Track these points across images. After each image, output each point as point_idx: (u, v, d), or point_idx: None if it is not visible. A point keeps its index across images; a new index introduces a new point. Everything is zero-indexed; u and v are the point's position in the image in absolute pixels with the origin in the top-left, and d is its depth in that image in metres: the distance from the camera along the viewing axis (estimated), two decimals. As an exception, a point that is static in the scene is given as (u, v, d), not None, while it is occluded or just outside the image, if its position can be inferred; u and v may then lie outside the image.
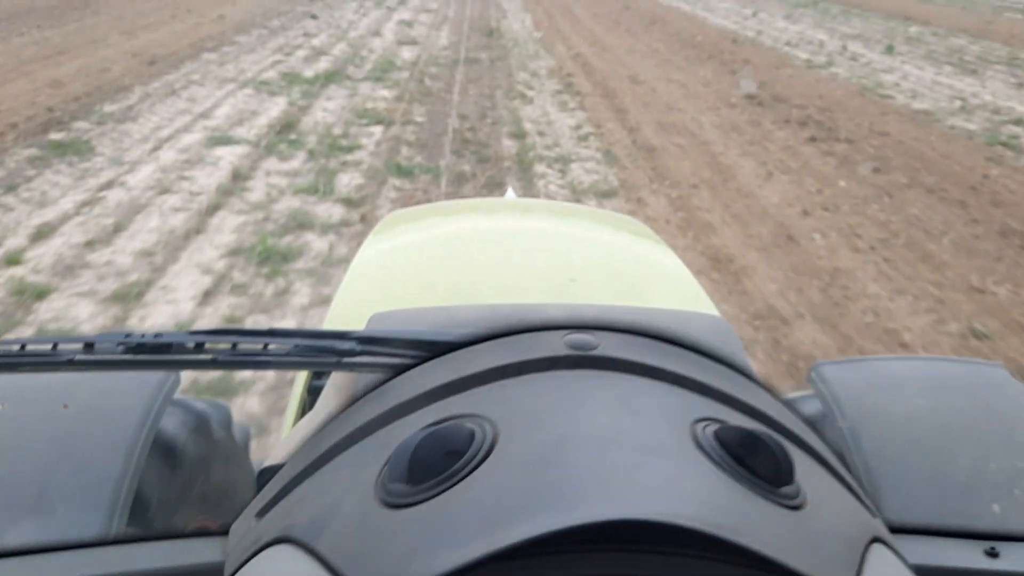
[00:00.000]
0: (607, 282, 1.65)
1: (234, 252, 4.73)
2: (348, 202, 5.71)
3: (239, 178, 6.13)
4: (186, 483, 1.22)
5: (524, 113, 8.73)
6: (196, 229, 5.08)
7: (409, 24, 15.42)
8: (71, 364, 0.84)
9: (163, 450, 1.18)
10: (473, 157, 7.00)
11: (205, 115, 8.07)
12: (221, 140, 7.16)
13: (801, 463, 0.63)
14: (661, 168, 6.83)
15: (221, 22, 14.35)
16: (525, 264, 1.71)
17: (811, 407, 1.17)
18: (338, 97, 9.13)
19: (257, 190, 5.88)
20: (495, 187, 6.18)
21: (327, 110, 8.54)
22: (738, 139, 7.85)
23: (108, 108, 8.04)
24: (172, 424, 1.22)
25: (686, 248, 5.03)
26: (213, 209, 5.45)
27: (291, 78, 9.93)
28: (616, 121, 8.45)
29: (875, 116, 8.87)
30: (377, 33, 14.05)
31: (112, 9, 15.14)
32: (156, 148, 6.87)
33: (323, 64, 11.02)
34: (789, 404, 0.83)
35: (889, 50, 13.66)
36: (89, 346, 0.85)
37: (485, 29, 15.03)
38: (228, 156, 6.69)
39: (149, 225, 5.12)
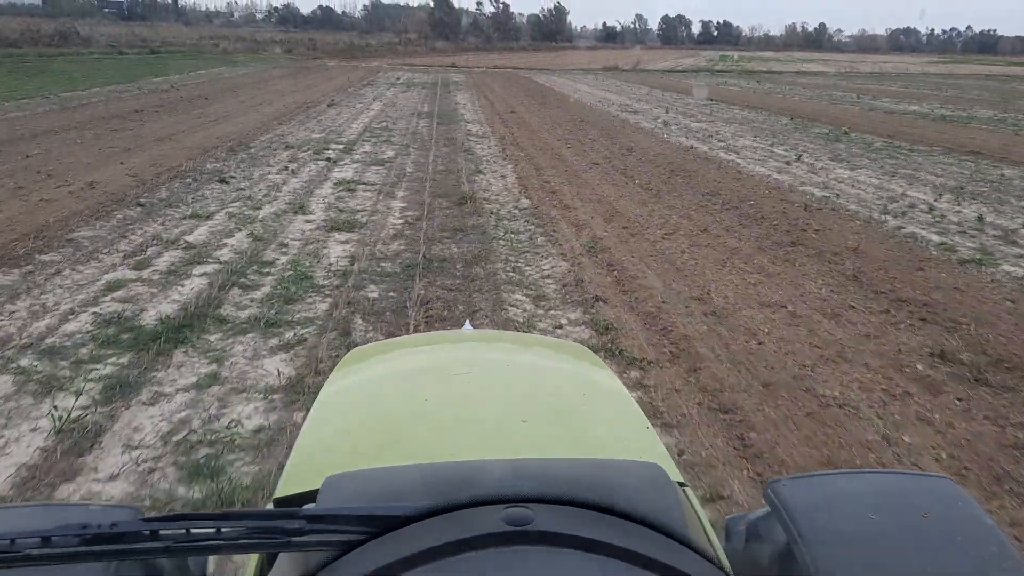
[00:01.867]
0: (556, 422, 1.69)
1: None
2: None
3: None
4: None
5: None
6: None
7: (351, 187, 11.19)
8: (28, 559, 0.86)
9: None
10: None
11: None
12: None
13: None
14: None
15: (83, 195, 10.03)
16: (480, 406, 1.77)
17: (767, 525, 1.21)
18: (171, 399, 4.69)
19: None
20: None
21: (131, 446, 4.09)
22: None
23: None
24: None
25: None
26: None
27: (110, 338, 5.52)
28: (739, 458, 4.06)
29: None
30: (302, 208, 9.76)
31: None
32: None
33: (189, 287, 6.66)
34: (715, 562, 1.00)
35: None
36: (46, 540, 0.88)
37: (455, 194, 10.84)
38: None
39: None
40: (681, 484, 1.36)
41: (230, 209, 9.60)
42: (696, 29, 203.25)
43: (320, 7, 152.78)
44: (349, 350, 2.73)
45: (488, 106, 25.51)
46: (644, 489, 1.09)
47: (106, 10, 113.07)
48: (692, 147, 16.22)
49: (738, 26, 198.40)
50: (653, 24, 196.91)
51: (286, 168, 12.69)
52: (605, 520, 0.96)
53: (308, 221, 9.17)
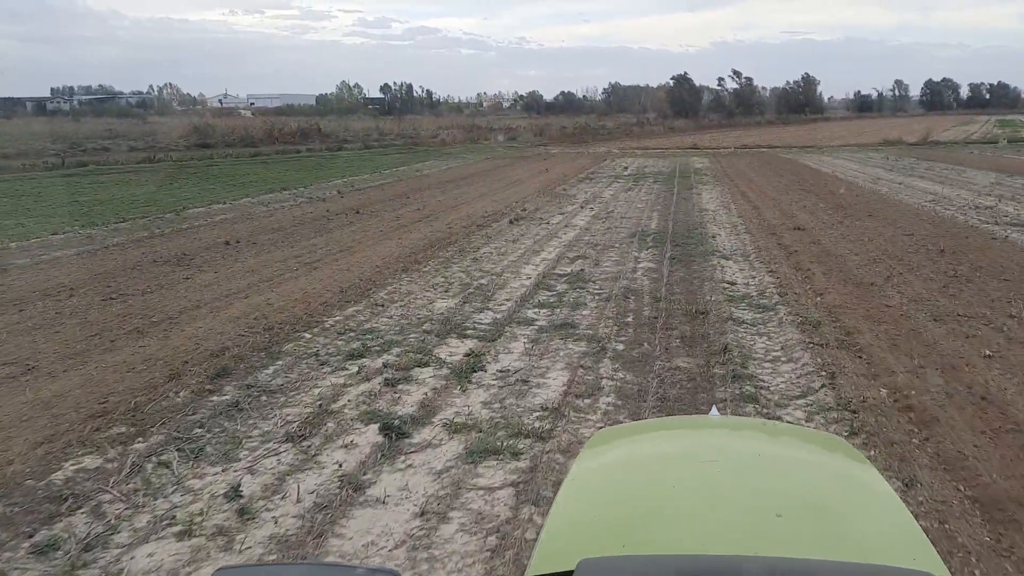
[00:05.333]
0: (813, 519, 1.61)
1: None
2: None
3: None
4: None
5: None
6: None
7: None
8: None
9: None
10: None
11: None
12: None
13: None
14: None
15: None
16: (730, 497, 1.69)
17: None
18: None
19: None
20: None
21: None
22: None
23: None
24: None
25: None
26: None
27: None
28: None
29: None
30: None
31: None
32: None
33: None
34: None
35: None
36: None
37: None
38: None
39: None
40: None
41: None
42: (964, 93, 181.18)
43: (562, 92, 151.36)
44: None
45: (751, 212, 16.88)
46: None
47: (370, 106, 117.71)
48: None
49: (1015, 87, 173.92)
50: (914, 90, 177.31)
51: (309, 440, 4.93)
52: None
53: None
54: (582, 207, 18.81)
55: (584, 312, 8.83)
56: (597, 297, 9.53)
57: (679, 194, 21.19)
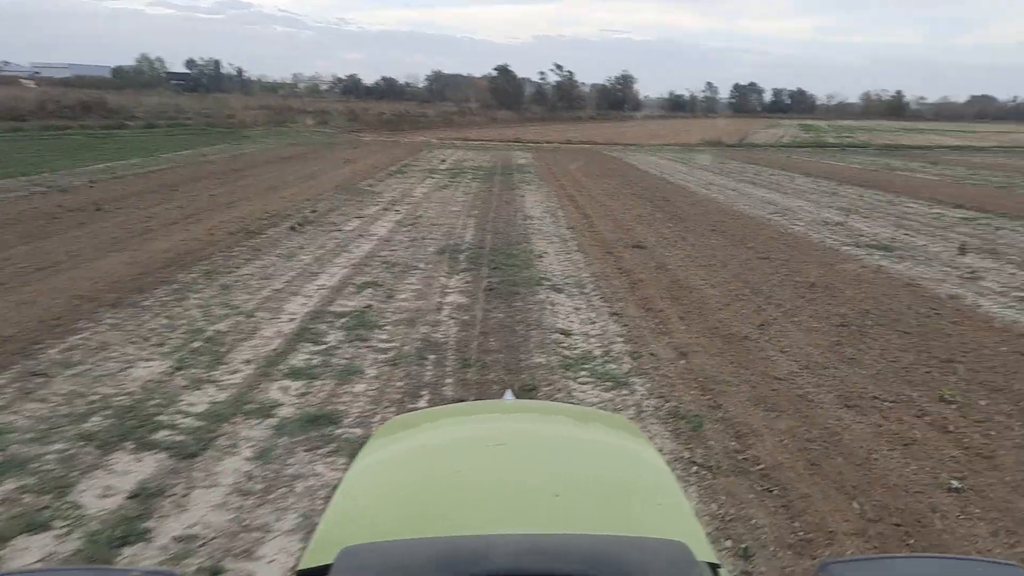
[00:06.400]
0: (589, 497, 1.66)
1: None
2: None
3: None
4: None
5: None
6: None
7: None
8: None
9: None
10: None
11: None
12: None
13: None
14: None
15: None
16: (513, 479, 1.74)
17: None
18: None
19: None
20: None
21: None
22: None
23: None
24: None
25: None
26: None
27: None
28: None
29: None
30: None
31: None
32: None
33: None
34: None
35: None
36: None
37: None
38: None
39: None
40: (713, 565, 1.35)
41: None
42: (768, 97, 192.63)
43: (383, 78, 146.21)
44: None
45: (582, 222, 14.51)
46: (664, 569, 1.08)
47: (173, 82, 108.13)
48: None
49: (812, 94, 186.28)
50: (723, 92, 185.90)
51: None
52: None
53: None
54: (387, 209, 15.79)
55: (357, 389, 5.91)
56: (381, 359, 6.63)
57: (500, 196, 18.61)
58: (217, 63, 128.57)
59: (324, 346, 6.92)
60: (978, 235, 13.32)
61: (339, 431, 5.15)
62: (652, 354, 6.78)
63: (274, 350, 6.76)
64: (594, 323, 7.81)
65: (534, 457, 1.91)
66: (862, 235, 13.20)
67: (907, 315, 8.06)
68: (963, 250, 11.35)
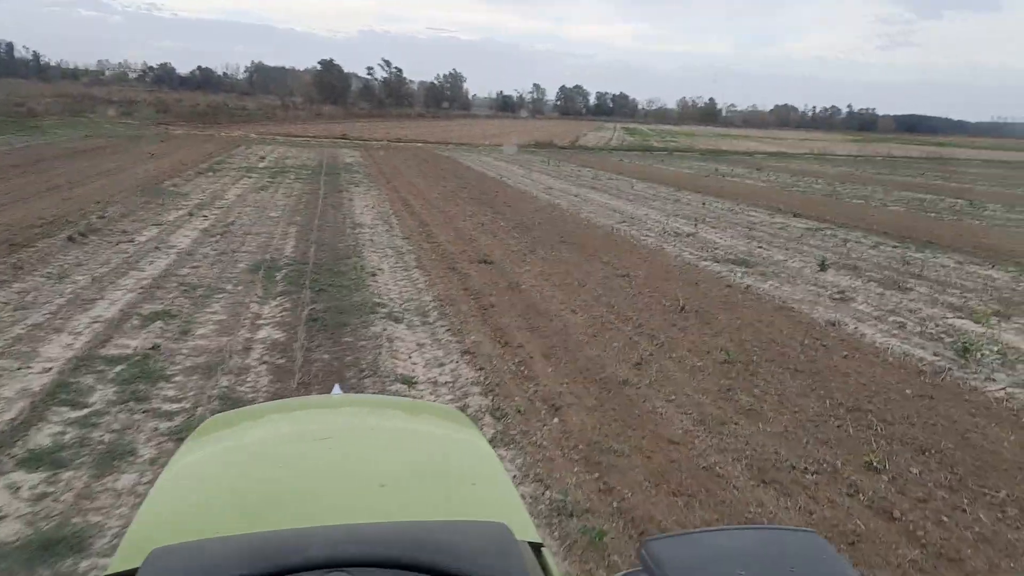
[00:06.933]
0: (415, 486, 1.65)
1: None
2: None
3: None
4: None
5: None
6: None
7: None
8: None
9: None
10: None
11: None
12: None
13: None
14: None
15: None
16: (337, 473, 1.70)
17: None
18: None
19: None
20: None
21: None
22: None
23: None
24: None
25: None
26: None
27: None
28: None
29: None
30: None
31: None
32: None
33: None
34: None
35: None
36: None
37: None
38: None
39: None
40: (536, 544, 1.37)
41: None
42: (592, 100, 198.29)
43: (200, 68, 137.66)
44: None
45: (419, 231, 13.08)
46: (484, 549, 1.09)
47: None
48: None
49: (634, 99, 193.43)
50: (550, 94, 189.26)
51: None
52: None
53: None
54: (192, 214, 13.68)
55: (122, 483, 4.22)
56: (163, 429, 4.94)
57: (326, 199, 16.82)
58: (10, 45, 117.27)
59: (85, 411, 5.15)
60: (830, 248, 12.97)
61: (84, 565, 3.49)
62: (519, 411, 5.47)
63: (10, 421, 4.92)
64: (443, 365, 6.42)
65: (360, 450, 1.86)
66: (717, 247, 12.53)
67: (792, 347, 7.19)
68: (823, 266, 10.82)
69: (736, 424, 5.37)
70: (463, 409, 5.41)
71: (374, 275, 9.58)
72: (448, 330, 7.40)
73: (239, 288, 8.65)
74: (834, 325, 8.02)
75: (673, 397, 5.84)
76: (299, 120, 63.10)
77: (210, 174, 20.72)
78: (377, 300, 8.37)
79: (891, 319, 8.43)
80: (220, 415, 2.42)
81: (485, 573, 1.00)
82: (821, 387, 6.16)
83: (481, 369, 6.30)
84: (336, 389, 3.92)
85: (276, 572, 0.96)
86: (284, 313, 7.75)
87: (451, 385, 5.97)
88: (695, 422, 5.40)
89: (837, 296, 9.34)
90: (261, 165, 24.38)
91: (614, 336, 7.35)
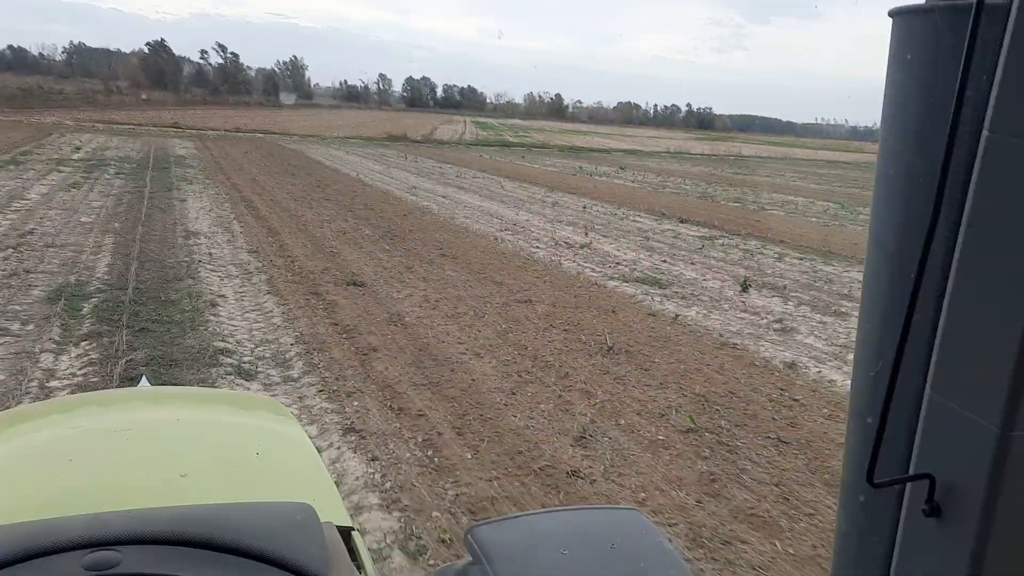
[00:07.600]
0: (220, 473, 1.62)
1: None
2: None
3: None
4: None
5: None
6: None
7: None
8: None
9: None
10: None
11: None
12: None
13: None
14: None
15: None
16: (134, 465, 1.62)
17: (474, 572, 1.14)
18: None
19: None
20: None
21: None
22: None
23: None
24: None
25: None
26: None
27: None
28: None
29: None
30: None
31: None
32: None
33: None
34: None
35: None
36: None
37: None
38: None
39: None
40: (346, 528, 1.34)
41: None
42: (440, 93, 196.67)
43: (11, 47, 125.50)
44: None
45: (269, 241, 11.00)
46: (284, 528, 1.06)
47: None
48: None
49: (483, 92, 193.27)
50: (397, 85, 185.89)
51: None
52: (204, 557, 0.92)
53: None
54: (-25, 222, 10.97)
55: None
56: None
57: (153, 199, 14.30)
58: None
59: None
60: (737, 262, 11.83)
61: None
62: (443, 540, 3.75)
63: None
64: (320, 454, 4.59)
65: (163, 441, 1.77)
66: (619, 262, 11.11)
67: (760, 403, 5.81)
68: (745, 287, 9.63)
69: (743, 543, 3.87)
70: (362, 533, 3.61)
71: (214, 305, 7.54)
72: (321, 392, 5.56)
73: (28, 329, 6.44)
74: (792, 368, 6.74)
75: (644, 496, 4.28)
76: (124, 106, 58.06)
77: (11, 168, 17.56)
78: (220, 344, 6.39)
79: (850, 357, 7.27)
80: (19, 408, 2.41)
81: (282, 551, 0.96)
82: (823, 468, 4.78)
83: (375, 460, 4.53)
84: (144, 381, 3.74)
85: (26, 557, 0.87)
86: (89, 369, 5.65)
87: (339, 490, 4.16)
88: (691, 541, 3.86)
89: (777, 327, 8.10)
90: (76, 157, 21.18)
91: (538, 393, 5.74)
